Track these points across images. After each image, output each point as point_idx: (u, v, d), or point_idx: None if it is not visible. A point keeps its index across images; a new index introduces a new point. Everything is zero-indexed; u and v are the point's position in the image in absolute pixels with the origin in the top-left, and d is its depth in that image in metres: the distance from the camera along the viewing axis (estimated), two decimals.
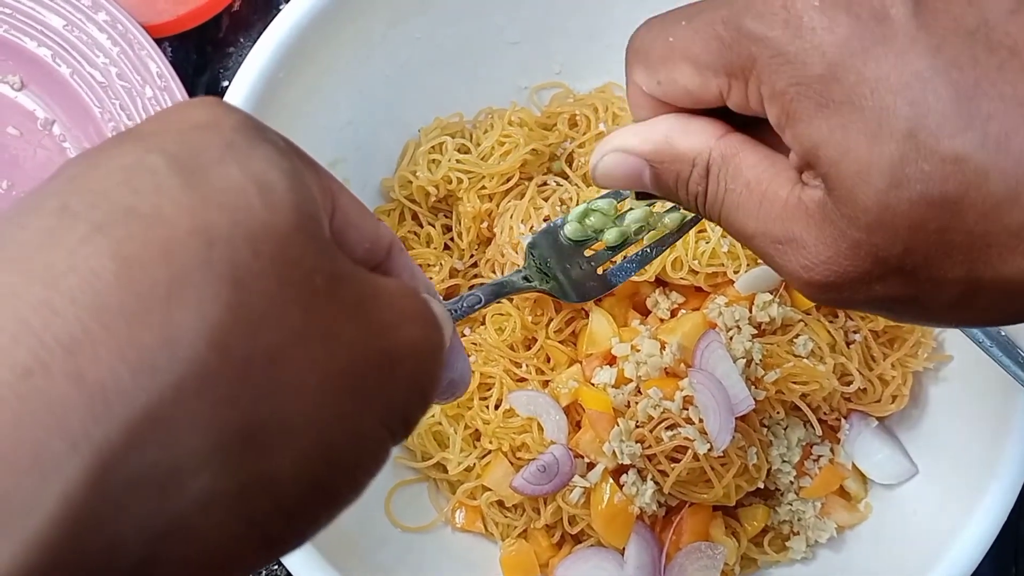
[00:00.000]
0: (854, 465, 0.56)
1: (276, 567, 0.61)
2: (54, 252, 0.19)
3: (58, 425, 0.18)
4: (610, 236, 0.45)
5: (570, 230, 0.45)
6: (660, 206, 0.50)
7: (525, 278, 0.43)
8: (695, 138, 0.29)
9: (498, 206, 0.59)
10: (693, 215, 0.50)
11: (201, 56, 0.72)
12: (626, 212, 0.47)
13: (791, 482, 0.55)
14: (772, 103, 0.26)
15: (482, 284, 0.58)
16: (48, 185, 0.21)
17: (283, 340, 0.20)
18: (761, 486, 0.54)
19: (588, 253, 0.45)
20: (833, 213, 0.25)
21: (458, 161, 0.59)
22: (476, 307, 0.35)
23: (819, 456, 0.55)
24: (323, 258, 0.22)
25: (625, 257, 0.47)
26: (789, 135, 0.26)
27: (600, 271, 0.45)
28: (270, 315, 0.20)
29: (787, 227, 0.27)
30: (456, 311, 0.33)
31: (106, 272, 0.19)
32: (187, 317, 0.19)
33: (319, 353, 0.21)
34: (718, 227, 0.54)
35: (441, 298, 0.32)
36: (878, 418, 0.56)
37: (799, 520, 0.55)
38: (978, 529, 0.48)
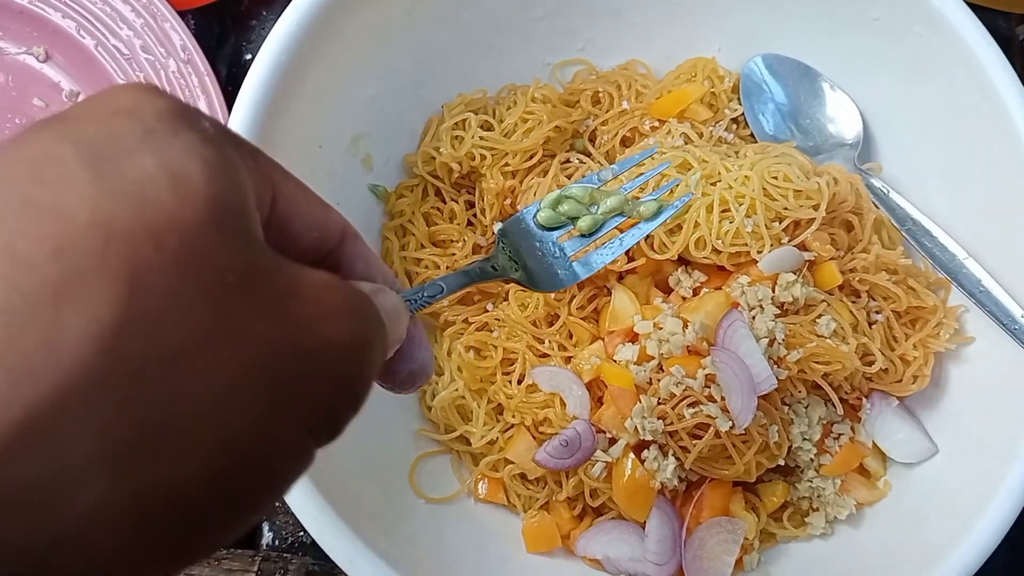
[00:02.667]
0: (874, 444, 0.56)
1: (302, 534, 0.62)
2: None
3: None
4: (583, 223, 0.45)
5: (543, 217, 0.44)
6: (635, 193, 0.50)
7: (493, 267, 0.41)
8: None
9: (521, 183, 0.59)
10: (671, 203, 0.49)
11: (224, 29, 0.72)
12: (600, 199, 0.46)
13: (811, 459, 0.55)
14: None
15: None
16: None
17: (186, 341, 0.19)
18: (782, 463, 0.54)
19: (561, 241, 0.44)
20: None
21: (481, 138, 0.59)
22: (437, 297, 0.34)
23: (840, 434, 0.56)
24: (237, 252, 0.21)
25: (598, 246, 0.46)
26: None
27: (573, 259, 0.44)
28: (171, 314, 0.19)
29: None
30: (414, 301, 0.32)
31: None
32: (75, 319, 0.18)
33: (228, 353, 0.20)
34: (742, 207, 0.54)
35: (400, 288, 0.31)
36: (899, 398, 0.56)
37: (819, 497, 0.55)
38: (1001, 509, 0.48)
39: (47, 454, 0.18)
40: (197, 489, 0.20)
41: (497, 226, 0.47)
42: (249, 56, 0.71)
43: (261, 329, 0.21)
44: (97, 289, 0.18)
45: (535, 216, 0.44)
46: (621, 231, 0.47)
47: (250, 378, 0.20)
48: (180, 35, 0.66)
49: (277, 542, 0.62)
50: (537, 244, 0.44)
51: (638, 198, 0.49)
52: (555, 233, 0.44)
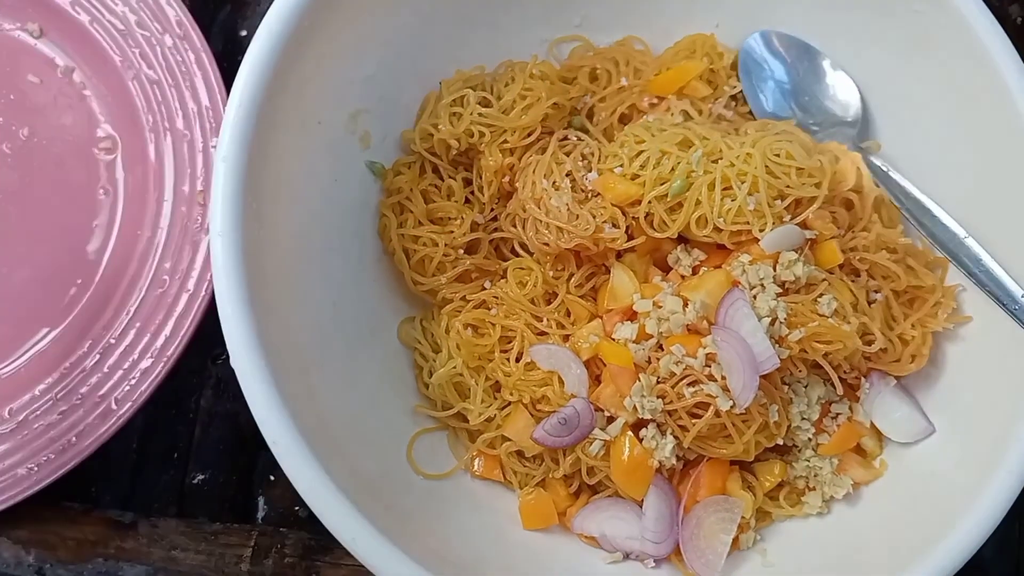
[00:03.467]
0: (872, 424, 0.56)
1: (297, 508, 0.61)
2: None
3: None
4: None
5: None
6: None
7: None
8: None
9: (520, 160, 0.59)
10: None
11: (220, 4, 0.71)
12: None
13: (809, 439, 0.55)
14: None
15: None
16: None
17: None
18: (780, 442, 0.54)
19: None
20: None
21: (480, 114, 0.58)
22: None
23: (837, 414, 0.56)
24: None
25: None
26: None
27: None
28: None
29: None
30: None
31: None
32: None
33: None
34: (744, 185, 0.54)
35: None
36: (897, 377, 0.56)
37: (815, 476, 0.55)
38: (999, 490, 0.47)
39: None
40: None
41: None
42: (244, 32, 0.71)
43: None
44: None
45: None
46: None
47: None
48: (176, 10, 0.65)
49: (273, 516, 0.62)
50: None
51: None
52: None
